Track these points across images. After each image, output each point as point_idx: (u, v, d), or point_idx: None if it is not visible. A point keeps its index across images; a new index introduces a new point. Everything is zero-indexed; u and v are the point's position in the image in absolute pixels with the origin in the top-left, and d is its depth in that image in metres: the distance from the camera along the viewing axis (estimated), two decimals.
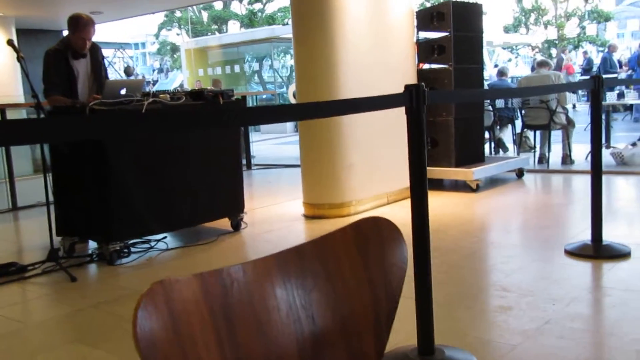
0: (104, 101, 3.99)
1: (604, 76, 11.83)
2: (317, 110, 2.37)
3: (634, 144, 7.33)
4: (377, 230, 1.14)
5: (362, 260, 1.14)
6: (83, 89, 4.57)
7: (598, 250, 3.69)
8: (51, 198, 4.09)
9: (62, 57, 4.45)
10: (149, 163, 4.23)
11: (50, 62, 4.44)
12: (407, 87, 2.35)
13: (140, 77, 17.05)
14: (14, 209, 6.40)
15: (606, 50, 16.50)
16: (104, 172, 4.00)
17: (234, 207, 4.84)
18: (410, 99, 2.31)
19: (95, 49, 4.69)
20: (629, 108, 12.76)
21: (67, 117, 3.01)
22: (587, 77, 15.09)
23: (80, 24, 4.43)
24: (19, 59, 3.82)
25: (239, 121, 2.34)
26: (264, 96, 18.30)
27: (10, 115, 6.82)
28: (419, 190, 2.34)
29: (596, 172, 3.76)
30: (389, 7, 5.73)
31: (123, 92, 4.18)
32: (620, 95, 8.08)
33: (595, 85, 3.74)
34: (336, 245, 1.12)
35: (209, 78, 16.41)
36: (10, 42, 3.97)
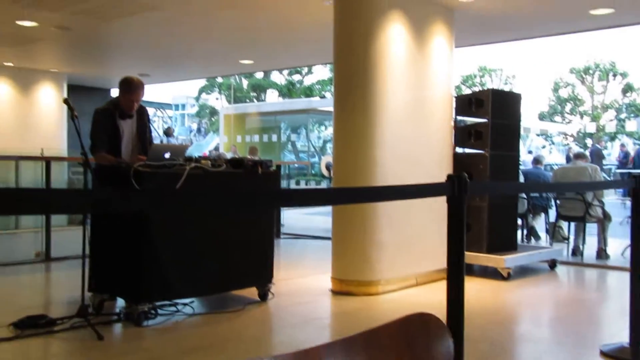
0: (148, 163, 4.10)
1: (635, 171, 11.59)
2: (360, 196, 2.41)
3: None
4: (425, 326, 1.15)
5: (409, 355, 1.14)
6: (127, 148, 4.72)
7: (637, 355, 3.57)
8: (87, 251, 4.15)
9: (110, 116, 4.63)
10: (182, 226, 4.29)
11: (99, 120, 4.62)
12: (449, 176, 2.38)
13: (184, 142, 17.48)
14: (47, 259, 6.49)
15: None
16: (139, 233, 4.07)
17: (262, 277, 4.83)
18: (452, 188, 2.33)
19: (143, 111, 4.87)
20: None
21: (113, 191, 3.10)
22: (623, 170, 14.99)
23: (132, 87, 4.63)
24: (72, 117, 3.97)
25: (278, 203, 2.38)
26: (296, 165, 18.57)
27: (54, 166, 7.03)
28: (456, 280, 2.33)
29: (636, 270, 3.69)
30: (429, 90, 5.85)
31: (167, 155, 4.30)
32: None
33: (637, 184, 3.72)
34: (385, 339, 1.12)
35: (245, 144, 16.76)
36: (66, 101, 4.15)
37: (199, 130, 34.47)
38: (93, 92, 12.88)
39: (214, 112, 33.02)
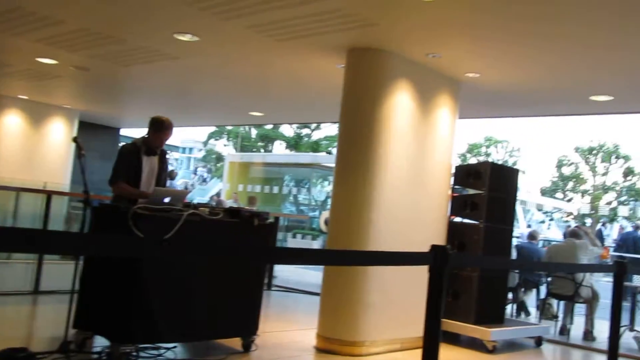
0: (147, 206, 4.21)
1: (633, 255, 11.60)
2: (345, 259, 2.50)
3: None
4: None
5: None
6: (147, 183, 4.97)
7: None
8: (76, 287, 4.21)
9: (136, 152, 4.95)
10: (172, 270, 4.35)
11: (124, 154, 4.99)
12: (433, 247, 2.48)
13: (186, 188, 17.65)
14: (35, 292, 6.50)
15: (632, 228, 16.51)
16: (129, 273, 4.13)
17: (247, 328, 4.86)
18: (434, 259, 2.42)
19: (164, 152, 5.14)
20: None
21: (106, 236, 3.21)
22: (619, 253, 14.99)
23: (163, 126, 5.00)
24: (79, 155, 4.11)
25: (268, 259, 2.47)
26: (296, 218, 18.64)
27: (55, 200, 7.14)
28: (432, 349, 2.39)
29: (612, 357, 3.72)
30: (430, 158, 6.00)
31: (167, 200, 4.42)
32: None
33: (619, 269, 3.80)
34: None
35: (247, 193, 16.91)
36: (75, 140, 4.30)
37: (202, 177, 34.75)
38: (102, 130, 13.13)
39: (220, 158, 33.34)
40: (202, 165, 37.35)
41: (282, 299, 8.35)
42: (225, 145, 33.71)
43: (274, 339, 5.54)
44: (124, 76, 7.98)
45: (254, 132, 30.94)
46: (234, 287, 4.68)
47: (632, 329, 7.56)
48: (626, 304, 9.05)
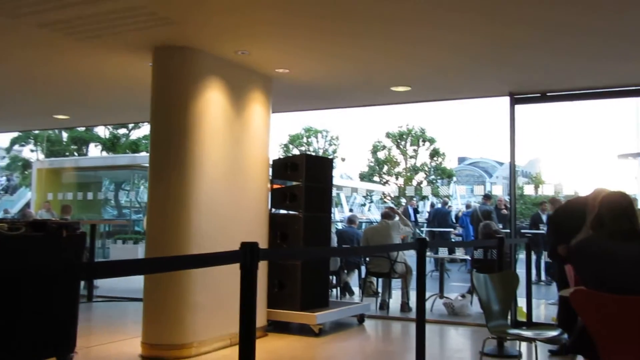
0: None
1: (442, 229, 12.71)
2: (156, 266, 2.46)
3: (463, 296, 7.97)
4: None
5: None
6: None
7: None
8: None
9: None
10: None
11: None
12: (243, 244, 2.52)
13: None
14: None
15: (440, 204, 18.17)
16: None
17: (62, 346, 4.55)
18: (244, 256, 2.47)
19: None
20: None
21: None
22: (430, 228, 16.41)
23: None
24: None
25: (75, 276, 2.35)
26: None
27: None
28: (248, 344, 2.44)
29: (420, 324, 4.09)
30: (246, 154, 6.07)
31: None
32: (451, 250, 8.90)
33: (421, 246, 4.17)
34: None
35: (58, 202, 15.76)
36: None
37: (7, 187, 31.71)
38: None
39: (27, 165, 30.66)
40: (8, 174, 34.11)
41: (106, 310, 7.95)
42: (32, 151, 31.05)
43: (96, 353, 5.28)
44: None
45: (65, 136, 28.85)
46: (41, 305, 4.35)
47: (441, 297, 8.34)
48: (437, 274, 9.96)
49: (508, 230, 8.10)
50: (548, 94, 7.05)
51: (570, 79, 6.54)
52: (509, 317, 6.18)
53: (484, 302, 4.23)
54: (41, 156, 27.74)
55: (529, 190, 33.38)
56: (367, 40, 5.30)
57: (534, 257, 10.02)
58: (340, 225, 16.09)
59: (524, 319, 6.73)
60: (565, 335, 4.10)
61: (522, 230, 12.11)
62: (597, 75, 6.36)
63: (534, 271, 10.24)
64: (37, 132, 27.41)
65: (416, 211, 21.50)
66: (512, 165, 7.27)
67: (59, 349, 4.53)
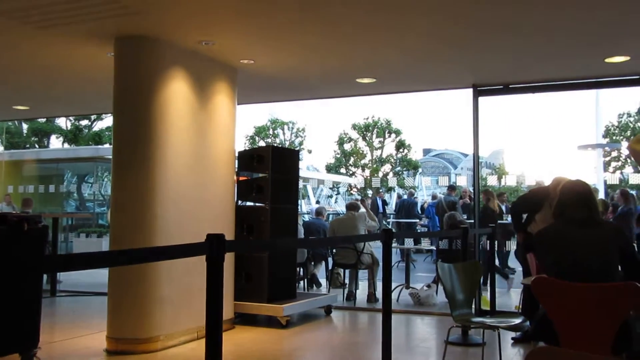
0: None
1: (407, 220, 12.79)
2: (119, 259, 2.43)
3: (429, 286, 8.08)
4: None
5: None
6: None
7: None
8: None
9: None
10: None
11: None
12: (209, 236, 2.51)
13: None
14: None
15: (407, 195, 18.34)
16: None
17: (25, 342, 4.47)
18: (210, 248, 2.46)
19: None
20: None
21: None
22: (397, 219, 16.55)
23: None
24: None
25: (37, 269, 2.30)
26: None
27: None
28: (214, 338, 2.43)
29: (386, 315, 4.13)
30: (211, 146, 6.02)
31: None
32: (417, 241, 9.00)
33: (387, 237, 4.21)
34: None
35: (19, 195, 15.40)
36: None
37: None
38: None
39: None
40: None
41: (70, 304, 7.82)
42: None
43: (60, 349, 5.20)
44: None
45: (25, 127, 28.17)
46: (2, 300, 4.26)
47: (407, 287, 8.44)
48: (403, 265, 10.07)
49: (472, 221, 8.23)
50: (510, 86, 7.18)
51: (532, 71, 6.67)
52: (473, 306, 6.29)
53: (448, 291, 4.29)
54: (0, 148, 27.09)
55: (492, 181, 33.90)
56: (333, 31, 5.29)
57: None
58: (307, 217, 16.13)
59: (487, 308, 6.85)
60: (528, 323, 4.20)
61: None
62: (557, 67, 6.50)
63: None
64: None
65: (385, 202, 21.68)
66: (476, 157, 7.38)
67: (21, 345, 4.45)
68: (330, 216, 15.23)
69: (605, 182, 20.25)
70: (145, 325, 5.20)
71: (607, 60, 6.04)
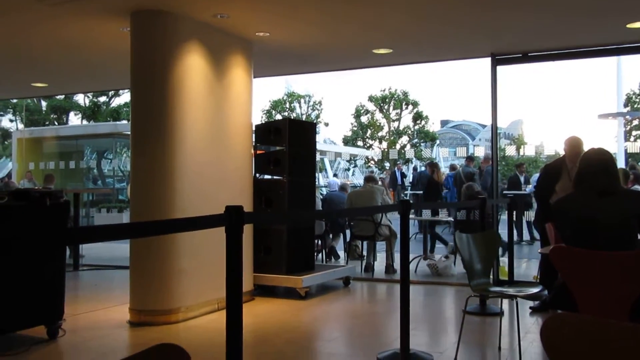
0: None
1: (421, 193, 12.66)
2: (140, 231, 2.46)
3: (446, 257, 8.09)
4: (165, 357, 1.25)
5: None
6: None
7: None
8: None
9: None
10: None
11: None
12: (227, 208, 2.53)
13: None
14: None
15: (426, 168, 18.24)
16: None
17: (51, 314, 4.58)
18: (229, 219, 2.48)
19: None
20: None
21: None
22: (414, 191, 16.50)
23: None
24: None
25: (51, 242, 2.34)
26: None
27: None
28: (235, 309, 2.47)
29: (404, 285, 4.15)
30: (229, 119, 6.03)
31: None
32: (435, 212, 8.99)
33: (404, 208, 4.21)
34: None
35: (40, 171, 15.61)
36: None
37: None
38: None
39: (6, 134, 30.22)
40: None
41: (92, 278, 7.97)
42: (11, 121, 30.58)
43: (84, 321, 5.31)
44: None
45: (44, 104, 28.41)
46: (27, 273, 4.36)
47: (425, 258, 8.47)
48: (421, 237, 10.08)
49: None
50: (529, 54, 7.06)
51: (552, 38, 6.54)
52: (491, 277, 6.30)
53: (466, 261, 4.29)
54: (20, 126, 27.39)
55: (510, 151, 33.63)
56: (347, 2, 5.23)
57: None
58: (324, 190, 16.14)
59: (505, 278, 6.86)
60: (546, 292, 4.20)
61: (504, 192, 12.23)
62: (578, 34, 6.37)
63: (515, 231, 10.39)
64: (15, 101, 26.97)
65: (403, 175, 21.64)
66: (494, 127, 7.31)
67: (47, 317, 4.56)
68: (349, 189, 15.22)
69: (625, 151, 19.99)
70: (166, 297, 5.29)
71: (629, 25, 5.91)
